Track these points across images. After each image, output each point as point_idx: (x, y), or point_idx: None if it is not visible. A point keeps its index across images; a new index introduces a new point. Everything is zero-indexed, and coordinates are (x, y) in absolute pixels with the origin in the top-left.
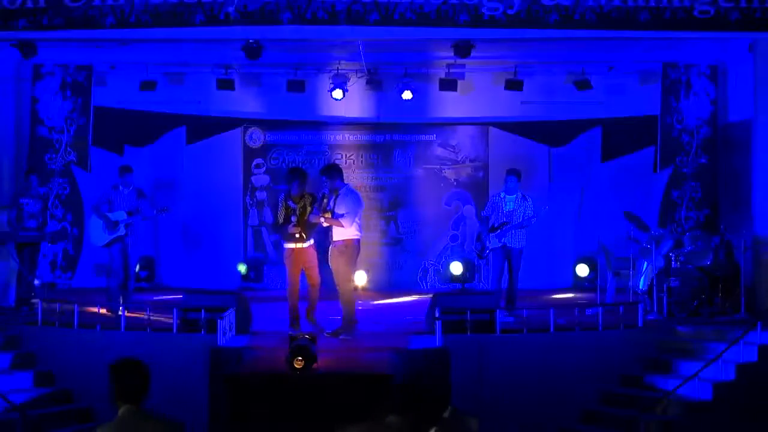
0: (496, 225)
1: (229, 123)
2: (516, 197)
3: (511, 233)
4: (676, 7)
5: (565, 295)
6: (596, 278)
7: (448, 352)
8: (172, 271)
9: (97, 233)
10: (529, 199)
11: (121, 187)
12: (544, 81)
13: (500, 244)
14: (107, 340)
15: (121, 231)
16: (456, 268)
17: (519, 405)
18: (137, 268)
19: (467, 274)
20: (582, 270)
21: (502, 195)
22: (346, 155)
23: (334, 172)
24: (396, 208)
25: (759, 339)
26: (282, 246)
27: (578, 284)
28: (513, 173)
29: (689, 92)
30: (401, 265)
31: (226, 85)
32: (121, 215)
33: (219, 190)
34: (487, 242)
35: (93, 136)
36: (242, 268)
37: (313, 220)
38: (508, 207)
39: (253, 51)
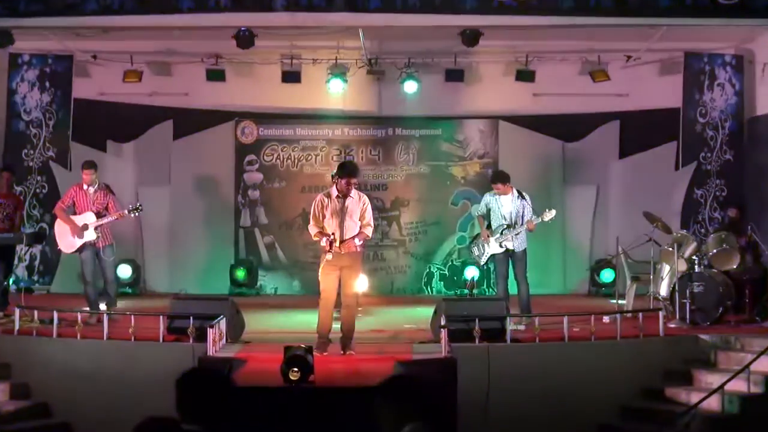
0: (493, 228)
1: (219, 116)
2: (512, 197)
3: (511, 236)
4: None
5: (581, 301)
6: (614, 283)
7: (455, 363)
8: (158, 275)
9: (64, 239)
10: (527, 197)
11: (86, 186)
12: (557, 71)
13: (501, 249)
14: (88, 350)
15: (91, 235)
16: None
17: (531, 419)
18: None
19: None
20: (598, 274)
21: (497, 197)
22: (345, 151)
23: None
24: (399, 208)
25: None
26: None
27: (595, 290)
28: (497, 179)
29: (713, 83)
30: (404, 269)
31: (216, 75)
32: (89, 217)
33: (209, 188)
34: (486, 247)
35: (73, 130)
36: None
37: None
38: (504, 210)
39: (245, 39)
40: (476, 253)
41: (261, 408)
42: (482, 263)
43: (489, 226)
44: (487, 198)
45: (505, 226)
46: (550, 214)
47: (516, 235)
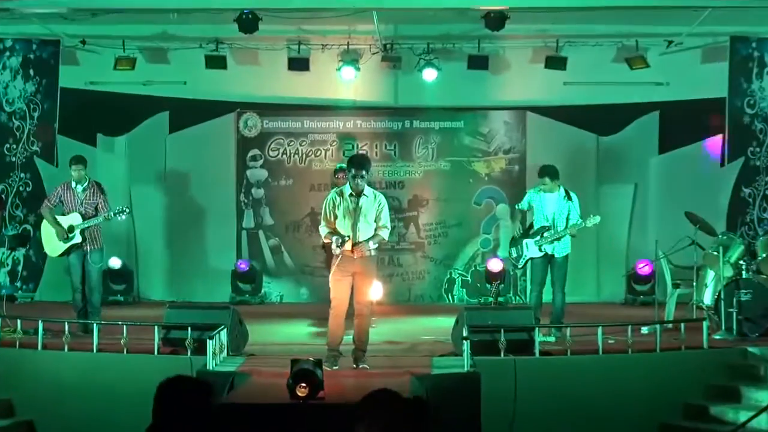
0: (535, 229)
1: (220, 107)
2: (558, 196)
3: (552, 239)
4: None
5: (616, 310)
6: (653, 291)
7: (478, 378)
8: (152, 282)
9: (49, 242)
10: (574, 199)
11: (74, 184)
12: (591, 58)
13: (541, 254)
14: (77, 363)
15: (77, 238)
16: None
17: None
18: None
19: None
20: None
21: (542, 193)
22: (357, 145)
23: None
24: (417, 208)
25: None
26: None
27: (632, 298)
28: (545, 173)
29: (762, 71)
30: (423, 274)
31: (216, 63)
32: (75, 218)
33: (208, 186)
34: (525, 250)
35: (60, 123)
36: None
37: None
38: (547, 209)
39: (248, 23)
40: (514, 255)
41: (265, 427)
42: (519, 267)
43: (531, 226)
44: (531, 194)
45: (546, 228)
46: (593, 220)
47: (557, 239)
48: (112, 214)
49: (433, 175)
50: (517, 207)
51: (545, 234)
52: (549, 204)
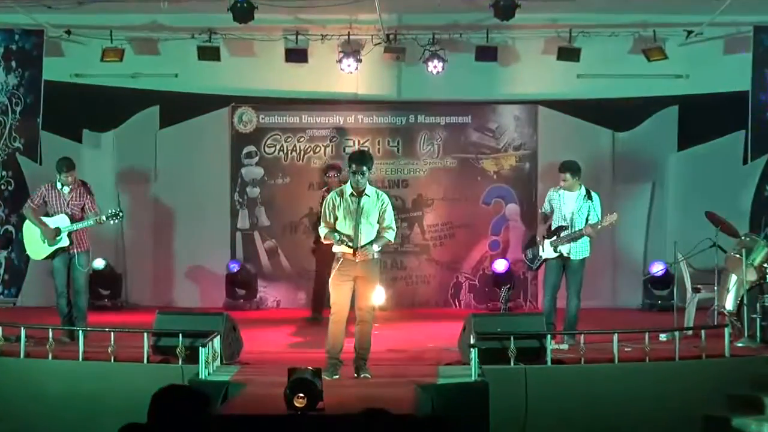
0: (552, 229)
1: (213, 101)
2: (578, 196)
3: (567, 239)
4: None
5: (633, 316)
6: (671, 296)
7: (487, 387)
8: (141, 286)
9: (33, 244)
10: (595, 199)
11: (59, 185)
12: (606, 49)
13: (555, 254)
14: (61, 372)
15: (64, 241)
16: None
17: None
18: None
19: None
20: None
21: (560, 192)
22: (358, 141)
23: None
24: (421, 208)
25: None
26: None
27: (649, 303)
28: (566, 169)
29: None
30: (428, 278)
31: (209, 54)
32: (62, 221)
33: (200, 185)
34: (541, 251)
35: (44, 118)
36: None
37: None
38: (566, 208)
39: (243, 12)
40: (529, 255)
41: None
42: (534, 268)
43: (549, 227)
44: (551, 194)
45: (563, 228)
46: (611, 218)
47: (573, 240)
48: (104, 218)
49: (438, 173)
50: (540, 211)
51: (561, 234)
52: (568, 203)
